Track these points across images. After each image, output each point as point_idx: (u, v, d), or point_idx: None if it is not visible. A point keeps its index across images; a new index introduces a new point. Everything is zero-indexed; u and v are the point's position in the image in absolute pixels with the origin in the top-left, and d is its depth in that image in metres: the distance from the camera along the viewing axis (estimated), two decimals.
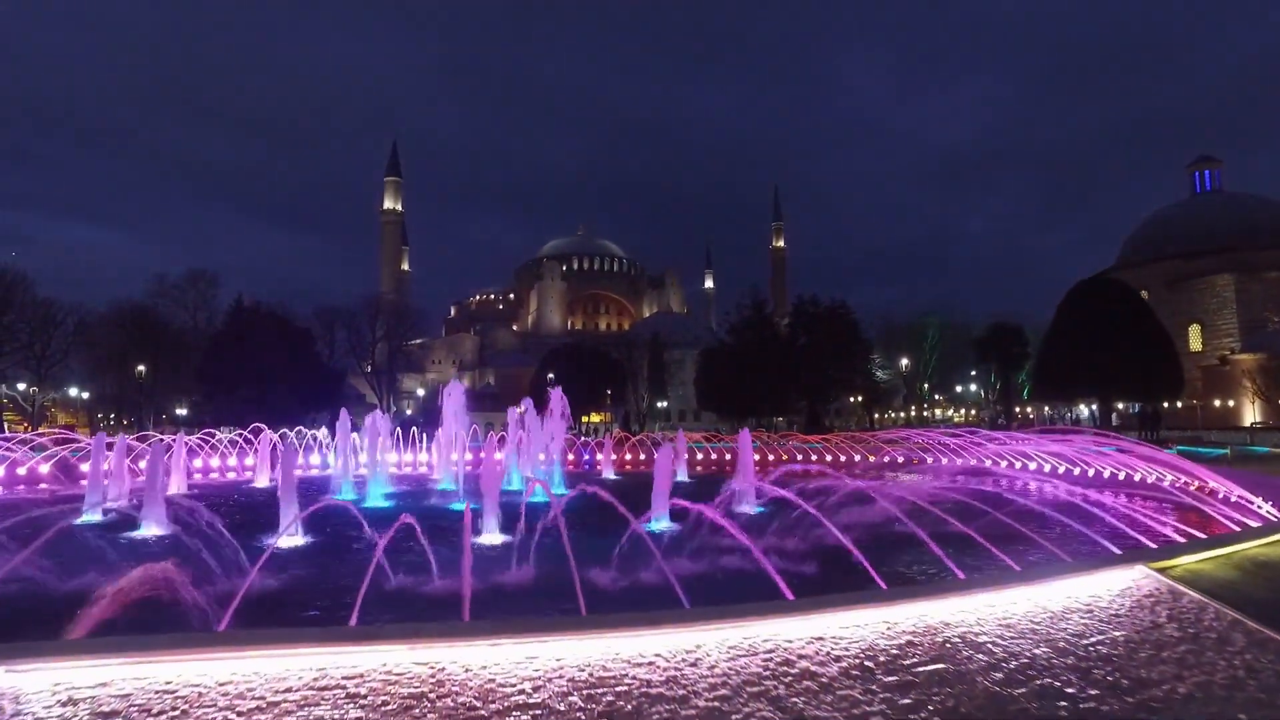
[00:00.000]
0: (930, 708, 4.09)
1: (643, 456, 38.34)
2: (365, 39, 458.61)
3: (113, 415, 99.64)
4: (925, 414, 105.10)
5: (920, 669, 4.43)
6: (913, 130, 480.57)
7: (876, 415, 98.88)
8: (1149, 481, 15.42)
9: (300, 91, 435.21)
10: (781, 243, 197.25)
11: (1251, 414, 71.11)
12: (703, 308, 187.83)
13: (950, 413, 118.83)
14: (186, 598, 5.96)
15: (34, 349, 79.39)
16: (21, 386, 79.49)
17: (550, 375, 74.81)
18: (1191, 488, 13.61)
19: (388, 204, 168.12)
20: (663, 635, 4.39)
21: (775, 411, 78.77)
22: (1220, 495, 12.50)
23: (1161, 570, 6.20)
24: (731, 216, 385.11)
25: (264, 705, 3.66)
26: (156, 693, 3.67)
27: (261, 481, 24.85)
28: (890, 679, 4.30)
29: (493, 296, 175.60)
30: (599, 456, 31.48)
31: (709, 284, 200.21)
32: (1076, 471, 19.23)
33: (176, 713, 3.55)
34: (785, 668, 4.28)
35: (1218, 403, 74.32)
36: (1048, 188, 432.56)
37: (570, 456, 33.07)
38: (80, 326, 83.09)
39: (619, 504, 8.10)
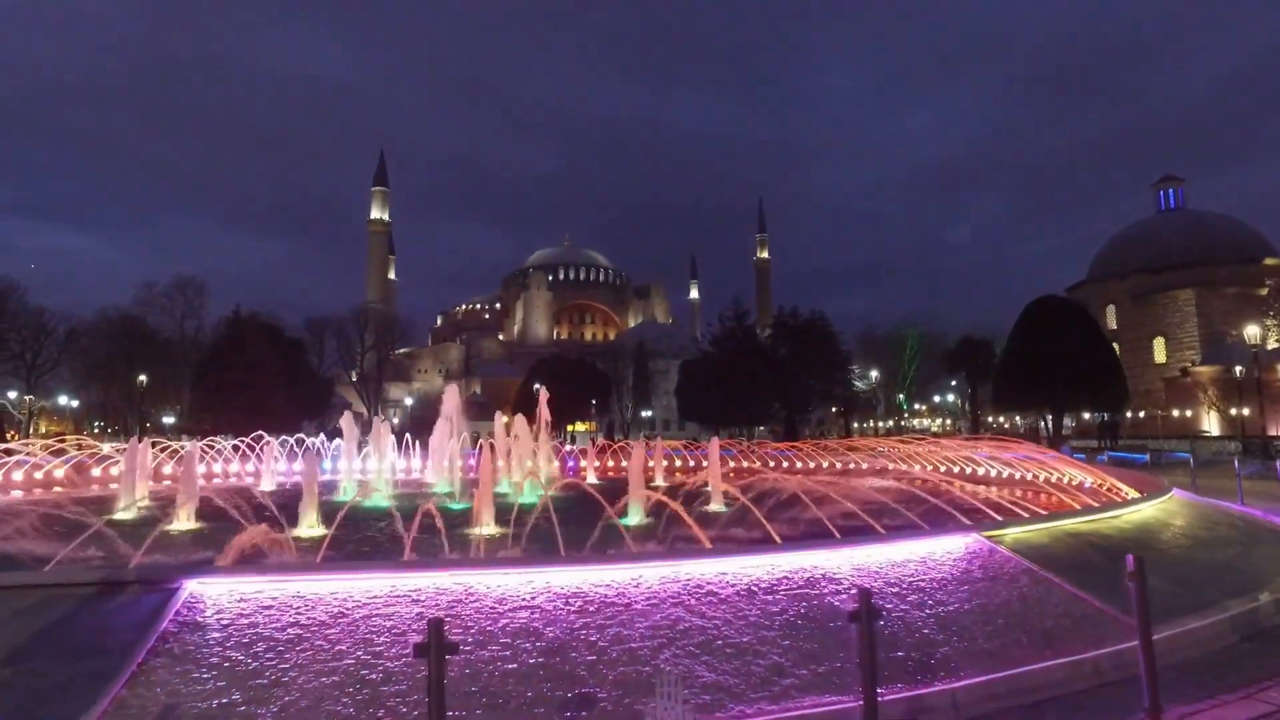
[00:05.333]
0: (790, 613, 6.29)
1: (624, 463, 40.39)
2: (352, 49, 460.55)
3: (100, 423, 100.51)
4: (904, 423, 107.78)
5: (789, 592, 6.62)
6: (894, 142, 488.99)
7: (855, 425, 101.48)
8: (1060, 483, 17.76)
9: (287, 101, 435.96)
10: (765, 254, 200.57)
11: (1208, 424, 74.33)
12: (688, 318, 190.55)
13: (928, 422, 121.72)
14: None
15: (24, 357, 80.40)
16: (12, 395, 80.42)
17: (537, 385, 76.65)
18: (1100, 487, 15.98)
19: (375, 214, 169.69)
20: (617, 570, 6.54)
21: (755, 421, 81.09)
22: (1102, 490, 14.85)
23: (992, 538, 8.42)
24: (717, 228, 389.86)
25: (361, 604, 5.79)
26: (293, 597, 5.78)
27: (265, 485, 26.71)
28: (767, 597, 6.49)
29: (479, 306, 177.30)
30: (583, 463, 33.50)
31: (694, 294, 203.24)
32: (1017, 475, 21.36)
33: (309, 607, 5.67)
34: (697, 589, 6.46)
35: (1177, 413, 77.56)
36: (1027, 201, 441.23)
37: (556, 463, 35.07)
38: (71, 335, 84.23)
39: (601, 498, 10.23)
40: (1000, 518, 9.68)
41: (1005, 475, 21.40)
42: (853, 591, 6.74)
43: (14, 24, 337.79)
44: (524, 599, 6.04)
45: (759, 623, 6.07)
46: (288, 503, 15.26)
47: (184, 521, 15.96)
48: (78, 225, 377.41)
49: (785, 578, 6.84)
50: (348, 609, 5.71)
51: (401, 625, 5.56)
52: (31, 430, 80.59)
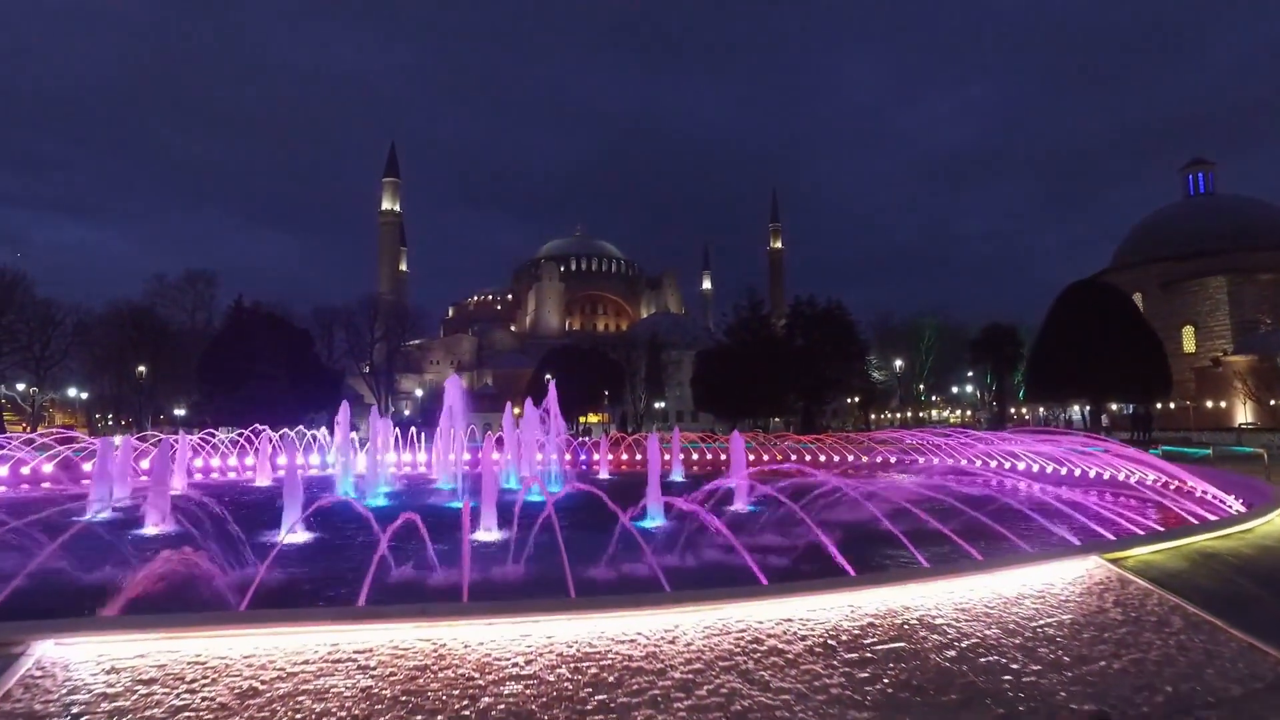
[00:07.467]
0: (884, 680, 4.53)
1: (638, 457, 38.69)
2: (363, 41, 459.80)
3: (110, 415, 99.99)
4: (922, 415, 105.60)
5: (878, 647, 4.87)
6: (911, 131, 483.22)
7: (873, 416, 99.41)
8: (1129, 481, 15.88)
9: (298, 93, 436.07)
10: (779, 244, 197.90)
11: (1243, 415, 71.66)
12: (701, 309, 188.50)
13: (946, 413, 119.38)
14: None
15: (33, 349, 79.67)
16: (21, 387, 79.72)
17: (548, 376, 75.14)
18: (1168, 487, 14.08)
19: (386, 205, 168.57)
20: (644, 616, 4.82)
21: (772, 412, 79.17)
22: (1188, 492, 12.97)
23: (1114, 561, 6.64)
24: (730, 218, 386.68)
25: (284, 675, 4.09)
26: (188, 664, 4.10)
27: (262, 481, 25.19)
28: (850, 655, 4.74)
29: (491, 297, 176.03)
30: (595, 456, 31.88)
31: (707, 285, 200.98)
32: (1064, 471, 19.65)
33: (207, 681, 3.98)
34: (755, 645, 4.72)
35: (1210, 404, 74.88)
36: (1046, 189, 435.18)
37: (567, 456, 33.48)
38: (79, 327, 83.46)
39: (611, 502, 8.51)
40: (1111, 536, 7.89)
41: (1051, 471, 19.56)
42: (963, 645, 5.00)
43: (28, 18, 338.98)
44: (516, 664, 4.32)
45: (844, 697, 4.32)
46: (276, 501, 13.82)
47: (151, 526, 14.43)
48: (91, 218, 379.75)
49: (870, 624, 5.09)
50: (265, 682, 4.01)
51: (340, 709, 3.87)
52: (40, 423, 79.88)
